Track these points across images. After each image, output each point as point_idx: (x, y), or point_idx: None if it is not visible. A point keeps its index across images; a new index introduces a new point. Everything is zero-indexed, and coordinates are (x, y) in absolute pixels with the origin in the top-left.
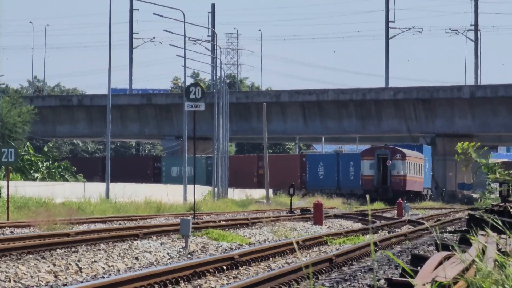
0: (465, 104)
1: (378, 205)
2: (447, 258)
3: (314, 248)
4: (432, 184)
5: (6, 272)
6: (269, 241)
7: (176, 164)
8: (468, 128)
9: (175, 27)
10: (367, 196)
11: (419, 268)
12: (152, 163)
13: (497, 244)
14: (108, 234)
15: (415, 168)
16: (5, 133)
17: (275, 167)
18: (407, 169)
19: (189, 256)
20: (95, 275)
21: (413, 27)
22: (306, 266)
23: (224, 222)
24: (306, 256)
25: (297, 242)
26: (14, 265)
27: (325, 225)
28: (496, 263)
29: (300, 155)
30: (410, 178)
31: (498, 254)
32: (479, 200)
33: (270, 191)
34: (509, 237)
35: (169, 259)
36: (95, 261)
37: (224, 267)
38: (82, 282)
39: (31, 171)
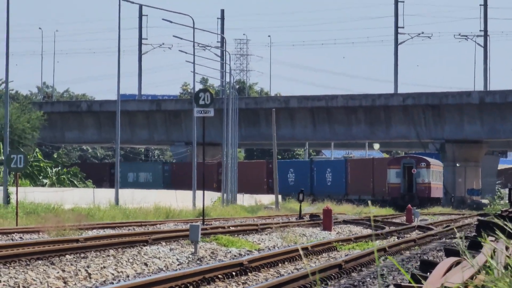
0: (474, 110)
1: (388, 211)
2: (457, 263)
3: (323, 254)
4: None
5: (16, 278)
6: (278, 247)
7: (132, 170)
8: (477, 134)
9: (184, 33)
10: (369, 202)
11: (428, 273)
12: (108, 169)
13: (507, 249)
14: (117, 240)
15: (437, 175)
16: (14, 139)
17: (242, 173)
18: (431, 177)
19: (198, 262)
20: (104, 281)
21: (422, 32)
22: (314, 273)
23: (233, 228)
24: (315, 262)
25: (306, 248)
26: (23, 271)
27: (334, 231)
28: (509, 267)
29: (266, 161)
30: (433, 185)
31: (509, 258)
32: (488, 206)
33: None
34: None
35: (178, 265)
36: (104, 267)
37: (233, 273)
38: None
39: (40, 177)
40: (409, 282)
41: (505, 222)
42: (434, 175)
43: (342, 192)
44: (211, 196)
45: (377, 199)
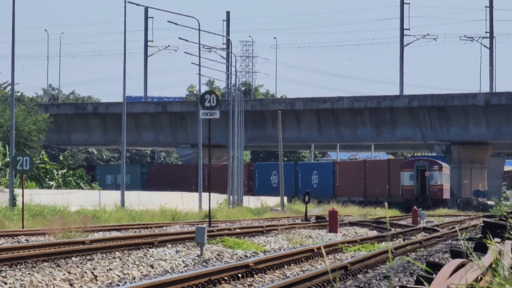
0: (479, 111)
1: (394, 212)
2: (462, 265)
3: (329, 256)
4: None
5: (22, 280)
6: (284, 249)
7: (110, 173)
8: (483, 135)
9: (190, 35)
10: (386, 204)
11: (434, 275)
12: (86, 171)
13: None
14: (124, 242)
15: (447, 177)
16: (20, 142)
17: (222, 175)
18: (443, 179)
19: (204, 264)
20: (110, 283)
21: (428, 34)
22: (327, 272)
23: (239, 230)
24: (321, 264)
25: (312, 250)
26: (29, 273)
27: (340, 232)
28: None
29: (247, 164)
30: (445, 187)
31: None
32: (494, 207)
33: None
34: None
35: (184, 267)
36: (110, 269)
37: (239, 275)
38: None
39: (46, 179)
40: (415, 284)
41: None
42: (445, 177)
43: (329, 194)
44: (217, 198)
45: (370, 201)
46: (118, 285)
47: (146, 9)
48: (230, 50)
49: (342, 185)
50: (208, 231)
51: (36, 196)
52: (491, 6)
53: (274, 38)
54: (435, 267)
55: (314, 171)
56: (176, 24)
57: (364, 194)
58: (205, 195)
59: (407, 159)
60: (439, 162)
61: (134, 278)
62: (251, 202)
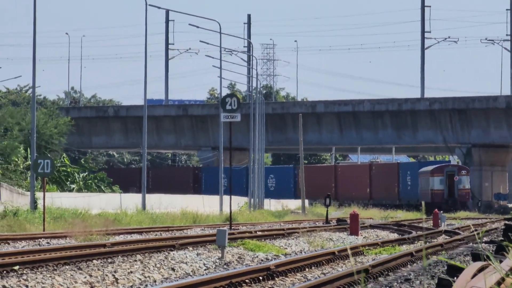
0: (501, 114)
1: (414, 215)
2: (483, 268)
3: (351, 259)
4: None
5: (43, 283)
6: (305, 252)
7: None
8: (504, 138)
9: (211, 38)
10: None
11: (455, 278)
12: None
13: None
14: (145, 245)
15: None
16: (42, 145)
17: (169, 179)
18: (470, 183)
19: (225, 266)
20: (131, 286)
21: (449, 37)
22: (343, 276)
23: (260, 233)
24: (342, 267)
25: (333, 253)
26: (50, 276)
27: (361, 235)
28: None
29: (193, 167)
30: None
31: None
32: None
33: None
34: None
35: (205, 269)
36: (131, 272)
37: (260, 278)
38: None
39: (68, 182)
40: (437, 287)
41: None
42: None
43: (290, 197)
44: (238, 201)
45: (342, 203)
46: None
47: (167, 12)
48: (251, 53)
49: (306, 188)
50: (229, 234)
51: (57, 199)
52: None
53: (295, 41)
54: (457, 270)
55: (270, 174)
56: (197, 27)
57: (336, 197)
58: (226, 198)
59: (438, 164)
60: (466, 167)
61: (155, 281)
62: (272, 205)
